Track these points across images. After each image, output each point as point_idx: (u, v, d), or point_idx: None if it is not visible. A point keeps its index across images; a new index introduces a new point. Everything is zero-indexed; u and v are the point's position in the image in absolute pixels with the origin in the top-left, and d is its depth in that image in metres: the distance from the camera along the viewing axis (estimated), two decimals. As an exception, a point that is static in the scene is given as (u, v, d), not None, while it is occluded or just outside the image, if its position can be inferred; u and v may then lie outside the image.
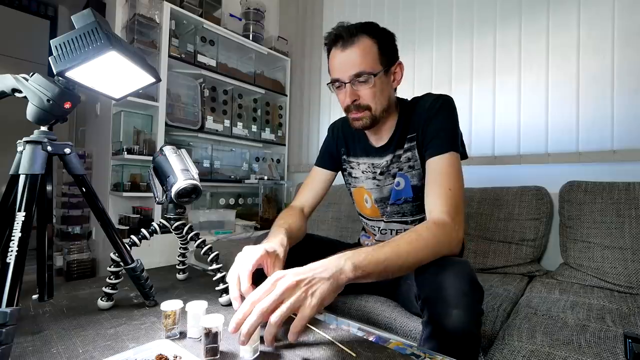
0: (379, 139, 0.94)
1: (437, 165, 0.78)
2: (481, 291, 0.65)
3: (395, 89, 0.92)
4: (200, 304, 0.62)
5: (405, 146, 0.89)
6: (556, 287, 1.11)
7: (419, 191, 0.89)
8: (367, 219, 1.03)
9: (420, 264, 0.65)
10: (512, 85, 1.55)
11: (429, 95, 0.90)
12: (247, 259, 0.64)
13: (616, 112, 1.30)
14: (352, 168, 1.02)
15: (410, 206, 0.92)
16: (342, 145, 1.04)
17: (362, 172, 0.99)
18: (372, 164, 0.96)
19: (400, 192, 0.91)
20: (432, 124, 0.83)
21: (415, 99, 0.93)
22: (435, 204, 0.74)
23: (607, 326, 0.80)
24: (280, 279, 0.53)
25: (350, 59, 0.80)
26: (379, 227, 1.00)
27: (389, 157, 0.92)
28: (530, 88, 1.50)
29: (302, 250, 0.91)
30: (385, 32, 0.85)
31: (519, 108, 1.53)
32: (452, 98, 0.86)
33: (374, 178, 0.96)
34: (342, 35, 0.81)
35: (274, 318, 0.50)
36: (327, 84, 0.89)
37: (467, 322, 0.60)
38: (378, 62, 0.82)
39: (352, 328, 0.70)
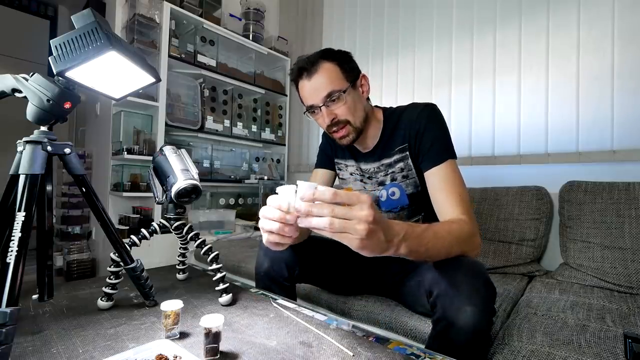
0: (363, 146, 0.96)
1: (440, 175, 0.81)
2: (494, 290, 0.66)
3: (369, 99, 0.95)
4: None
5: (395, 157, 0.91)
6: (556, 287, 1.11)
7: (414, 197, 0.92)
8: None
9: (450, 255, 0.67)
10: (512, 85, 1.55)
11: (414, 105, 0.92)
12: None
13: (616, 112, 1.30)
14: (340, 170, 1.05)
15: (406, 212, 0.94)
16: (333, 148, 1.07)
17: (350, 174, 1.02)
18: (360, 167, 0.99)
19: (397, 202, 0.93)
20: (425, 136, 0.85)
21: (399, 108, 0.95)
22: (453, 211, 0.76)
23: (607, 326, 0.80)
24: (363, 204, 0.50)
25: (318, 84, 0.84)
26: None
27: (375, 165, 0.95)
28: (530, 88, 1.50)
29: (305, 252, 0.93)
30: (341, 52, 0.89)
31: (519, 108, 1.53)
32: (437, 106, 0.89)
33: (361, 181, 0.99)
34: (305, 67, 0.85)
35: (327, 227, 0.49)
36: (304, 113, 0.93)
37: (480, 320, 0.62)
38: (343, 79, 0.86)
39: (352, 328, 0.70)
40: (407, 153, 0.89)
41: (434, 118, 0.87)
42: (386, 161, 0.92)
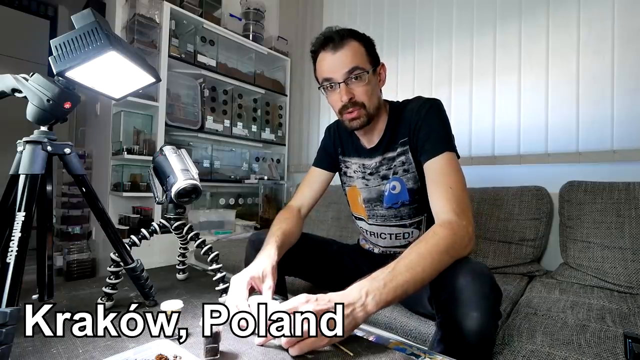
0: (369, 141, 0.96)
1: (435, 167, 0.79)
2: (500, 293, 0.65)
3: (381, 90, 0.93)
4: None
5: (398, 150, 0.90)
6: (556, 287, 1.11)
7: (415, 194, 0.90)
8: (360, 219, 1.04)
9: (439, 272, 0.64)
10: (512, 85, 1.55)
11: (417, 98, 0.91)
12: (237, 290, 0.68)
13: (616, 112, 1.30)
14: (347, 167, 1.04)
15: (407, 209, 0.92)
16: (339, 145, 1.05)
17: (354, 172, 1.01)
18: (363, 164, 0.98)
19: (398, 196, 0.92)
20: (423, 128, 0.84)
21: (404, 102, 0.94)
22: (440, 205, 0.74)
23: (607, 326, 0.80)
24: (301, 304, 0.55)
25: (343, 59, 0.82)
26: (371, 231, 1.01)
27: (377, 159, 0.94)
28: (530, 88, 1.50)
29: (297, 252, 0.93)
30: (367, 37, 0.89)
31: (519, 108, 1.53)
32: (440, 101, 0.88)
33: (364, 178, 0.98)
34: (333, 38, 0.83)
35: (292, 352, 0.54)
36: (319, 88, 0.90)
37: (486, 325, 0.61)
38: (367, 61, 0.85)
39: (352, 328, 0.70)
40: (408, 147, 0.88)
41: (434, 112, 0.85)
42: (389, 155, 0.92)
